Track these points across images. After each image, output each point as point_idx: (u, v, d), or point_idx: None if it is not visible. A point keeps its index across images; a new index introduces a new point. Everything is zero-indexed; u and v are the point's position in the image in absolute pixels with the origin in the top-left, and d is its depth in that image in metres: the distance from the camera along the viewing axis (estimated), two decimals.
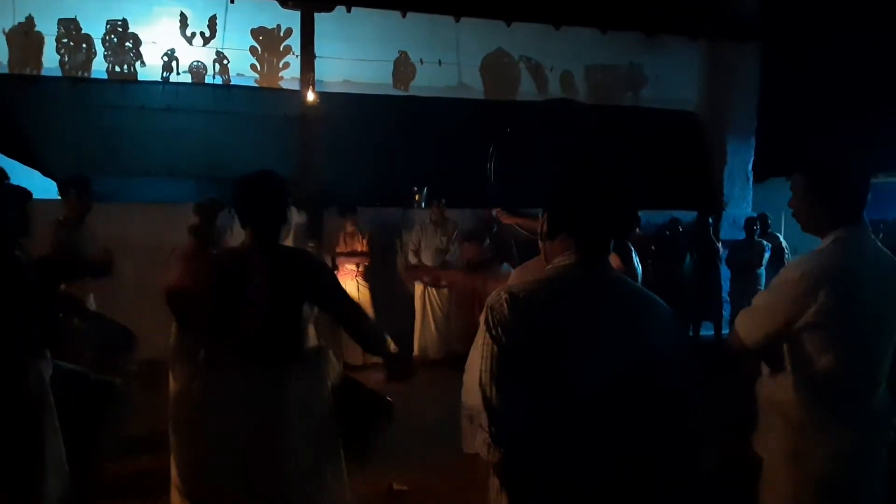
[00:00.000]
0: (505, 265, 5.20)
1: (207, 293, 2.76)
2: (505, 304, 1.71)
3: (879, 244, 2.41)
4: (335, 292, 2.82)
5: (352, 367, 6.84)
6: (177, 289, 3.71)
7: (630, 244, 4.25)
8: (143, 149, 8.23)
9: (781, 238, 9.52)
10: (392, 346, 2.92)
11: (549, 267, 1.82)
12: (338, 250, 7.77)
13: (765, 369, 2.53)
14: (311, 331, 2.88)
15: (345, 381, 2.96)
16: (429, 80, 9.38)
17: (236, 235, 3.30)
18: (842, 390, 2.33)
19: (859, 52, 9.61)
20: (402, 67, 9.34)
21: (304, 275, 2.72)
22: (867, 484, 2.39)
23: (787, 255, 9.08)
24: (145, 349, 4.71)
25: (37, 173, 7.67)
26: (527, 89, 9.74)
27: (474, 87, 9.60)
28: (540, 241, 1.88)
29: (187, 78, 8.63)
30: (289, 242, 3.03)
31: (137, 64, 8.44)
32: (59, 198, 5.33)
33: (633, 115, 9.98)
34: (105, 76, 8.34)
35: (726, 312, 9.16)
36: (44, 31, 8.17)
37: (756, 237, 8.98)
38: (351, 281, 7.70)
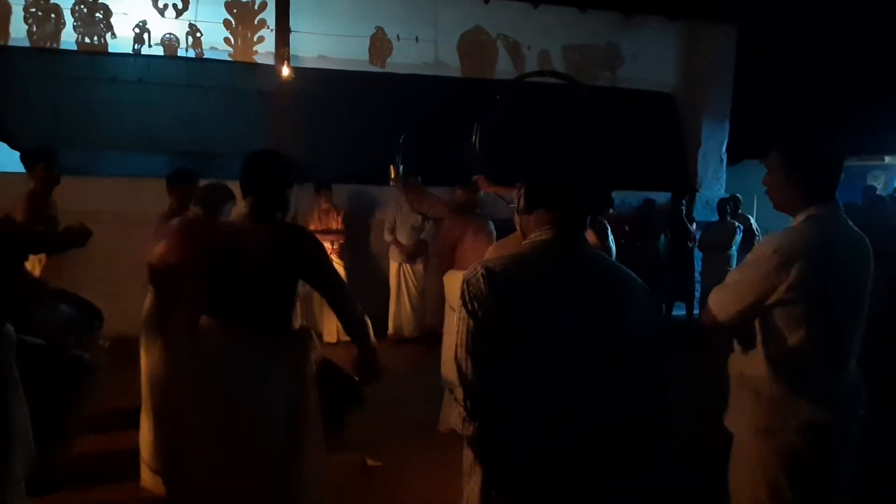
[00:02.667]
0: (491, 223, 5.23)
1: (203, 261, 2.77)
2: (481, 280, 1.70)
3: (850, 223, 2.45)
4: (327, 272, 2.83)
5: (327, 343, 6.84)
6: (170, 257, 3.69)
7: (605, 222, 4.30)
8: (115, 122, 8.07)
9: (753, 220, 9.64)
10: (372, 338, 2.95)
11: (526, 241, 1.82)
12: (312, 227, 7.71)
13: (737, 345, 2.56)
14: (298, 311, 2.89)
15: (325, 363, 2.98)
16: (405, 57, 9.29)
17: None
18: (812, 366, 2.36)
19: (833, 36, 9.70)
20: (379, 44, 9.24)
21: (297, 251, 2.73)
22: (836, 460, 2.43)
23: (758, 237, 9.19)
24: (116, 324, 4.65)
25: (4, 146, 7.51)
26: (504, 68, 9.70)
27: (451, 64, 9.54)
28: (516, 216, 1.88)
29: (159, 50, 8.46)
30: None
31: (108, 35, 8.25)
32: (25, 170, 5.20)
33: (609, 95, 9.98)
34: (74, 47, 8.15)
35: (697, 293, 9.27)
36: (11, 1, 7.95)
37: (728, 218, 9.08)
38: None
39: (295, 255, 2.71)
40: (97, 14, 8.19)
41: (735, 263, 8.69)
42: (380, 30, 9.22)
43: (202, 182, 4.19)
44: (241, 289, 2.66)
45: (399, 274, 8.03)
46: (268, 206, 2.78)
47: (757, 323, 2.44)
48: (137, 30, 8.33)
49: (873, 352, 2.64)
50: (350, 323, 2.90)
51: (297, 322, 2.93)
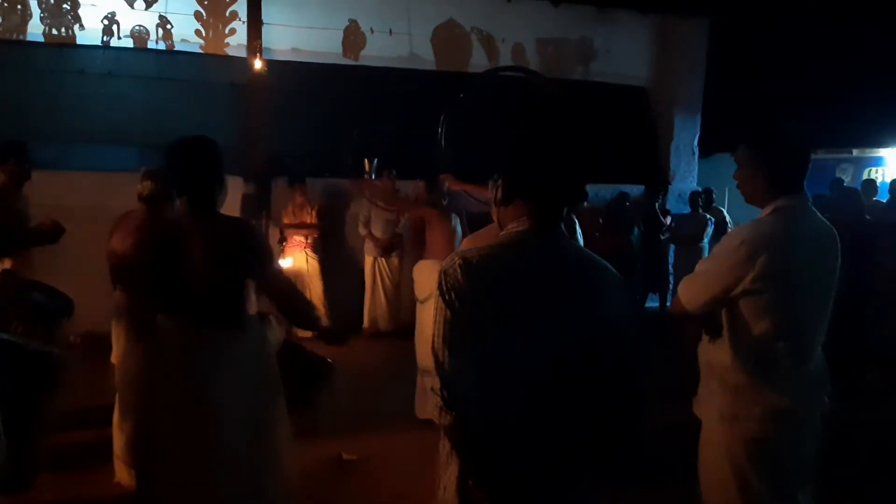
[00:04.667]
0: (453, 215, 5.31)
1: (148, 259, 2.73)
2: (458, 270, 1.70)
3: (819, 214, 2.48)
4: (266, 266, 2.77)
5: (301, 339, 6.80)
6: (121, 255, 3.65)
7: (574, 217, 4.32)
8: (84, 115, 7.94)
9: (725, 212, 9.77)
10: (323, 321, 2.93)
11: (503, 233, 1.82)
12: (286, 221, 7.67)
13: (704, 335, 2.59)
14: (253, 297, 2.84)
15: (286, 345, 2.97)
16: (379, 50, 9.27)
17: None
18: (776, 355, 2.39)
19: (804, 30, 9.82)
20: (352, 36, 9.21)
21: (237, 244, 2.67)
22: (799, 446, 2.47)
23: (729, 229, 9.31)
24: (86, 321, 4.60)
25: None
26: (478, 61, 9.71)
27: (425, 57, 9.53)
28: (493, 207, 1.88)
29: (129, 43, 8.35)
30: (233, 212, 2.99)
31: (76, 27, 8.13)
32: None
33: (582, 88, 10.04)
34: (41, 39, 8.01)
35: (671, 284, 9.37)
36: None
37: (700, 211, 9.19)
38: (300, 253, 7.62)
39: (233, 249, 2.65)
40: (65, 5, 8.06)
41: (707, 255, 8.79)
42: (353, 22, 9.18)
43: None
44: (188, 286, 2.62)
45: (374, 268, 8.01)
46: (201, 201, 2.70)
47: (723, 313, 2.47)
48: (106, 21, 8.21)
49: (839, 340, 2.69)
50: (295, 316, 2.89)
51: (254, 308, 2.87)
